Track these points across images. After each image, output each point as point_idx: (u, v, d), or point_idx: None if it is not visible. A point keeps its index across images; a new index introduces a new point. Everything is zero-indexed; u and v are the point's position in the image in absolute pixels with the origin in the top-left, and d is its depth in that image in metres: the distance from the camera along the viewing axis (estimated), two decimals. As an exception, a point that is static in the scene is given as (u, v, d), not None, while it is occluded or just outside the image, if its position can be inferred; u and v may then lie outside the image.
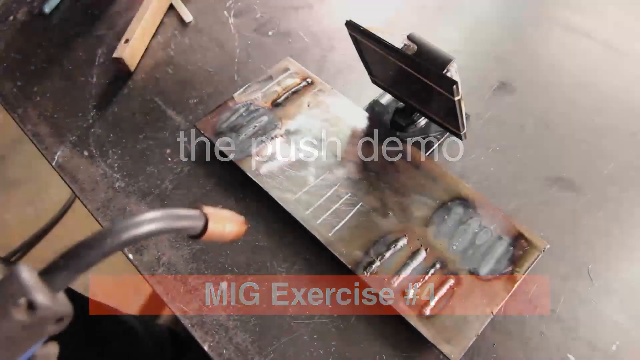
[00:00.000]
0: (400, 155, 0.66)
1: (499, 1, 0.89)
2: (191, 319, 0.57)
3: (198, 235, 0.34)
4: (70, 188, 0.69)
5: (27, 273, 0.25)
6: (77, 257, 0.27)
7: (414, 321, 0.53)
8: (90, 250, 0.27)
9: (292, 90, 0.73)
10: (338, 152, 0.66)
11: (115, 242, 0.28)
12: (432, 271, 0.56)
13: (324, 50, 0.83)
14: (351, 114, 0.70)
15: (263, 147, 0.67)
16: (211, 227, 0.35)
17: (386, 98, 0.74)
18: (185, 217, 0.32)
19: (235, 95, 0.73)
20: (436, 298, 0.54)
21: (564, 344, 0.54)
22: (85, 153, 0.72)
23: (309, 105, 0.71)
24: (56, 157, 0.72)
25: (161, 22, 0.89)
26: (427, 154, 0.67)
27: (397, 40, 0.58)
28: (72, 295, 0.41)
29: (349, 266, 0.57)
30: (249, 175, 0.64)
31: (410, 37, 0.57)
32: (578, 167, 0.67)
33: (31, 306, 0.24)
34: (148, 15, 0.85)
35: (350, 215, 0.61)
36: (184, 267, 0.61)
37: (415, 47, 0.57)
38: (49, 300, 0.25)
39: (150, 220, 0.30)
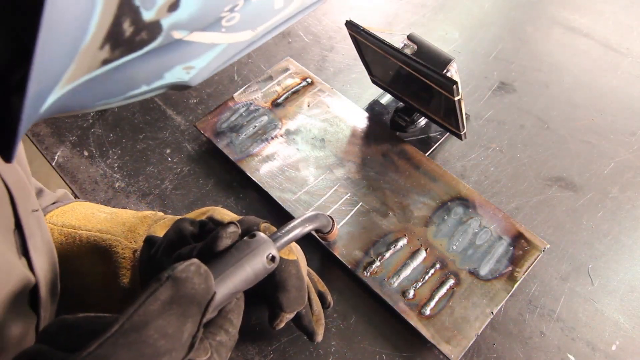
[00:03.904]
0: (400, 155, 0.66)
1: (499, 1, 0.89)
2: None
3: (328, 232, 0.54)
4: (70, 188, 0.69)
5: (267, 238, 0.39)
6: (289, 231, 0.42)
7: (414, 321, 0.53)
8: (295, 229, 0.43)
9: (292, 90, 0.73)
10: (338, 152, 0.66)
11: (308, 228, 0.45)
12: (432, 271, 0.56)
13: (324, 50, 0.83)
14: (351, 114, 0.70)
15: (263, 147, 0.67)
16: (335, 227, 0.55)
17: (386, 98, 0.74)
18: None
19: (235, 95, 0.73)
20: (436, 298, 0.54)
21: (564, 344, 0.54)
22: (85, 153, 0.72)
23: (308, 105, 0.71)
24: (56, 157, 0.72)
25: (161, 22, 0.89)
26: (427, 154, 0.67)
27: (397, 40, 0.58)
28: None
29: (349, 266, 0.57)
30: (249, 175, 0.64)
31: (410, 37, 0.57)
32: (578, 167, 0.67)
33: (272, 259, 0.38)
34: (148, 15, 0.84)
35: (350, 215, 0.61)
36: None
37: (415, 47, 0.57)
38: (278, 256, 0.39)
39: (318, 217, 0.49)
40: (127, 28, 0.22)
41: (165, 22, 0.23)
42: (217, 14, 0.25)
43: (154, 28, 0.23)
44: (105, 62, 0.23)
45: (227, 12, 0.25)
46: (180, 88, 0.29)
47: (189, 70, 0.27)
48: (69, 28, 0.20)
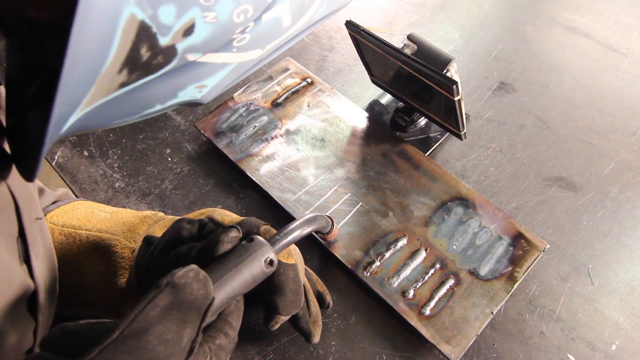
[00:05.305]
0: (400, 155, 0.66)
1: (499, 1, 0.89)
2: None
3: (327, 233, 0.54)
4: (70, 188, 0.69)
5: (265, 242, 0.39)
6: (287, 234, 0.43)
7: (413, 321, 0.53)
8: (294, 231, 0.43)
9: (292, 90, 0.73)
10: (338, 152, 0.66)
11: (307, 230, 0.45)
12: (432, 271, 0.56)
13: (324, 50, 0.83)
14: (351, 114, 0.70)
15: (263, 147, 0.67)
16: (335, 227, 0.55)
17: (386, 98, 0.74)
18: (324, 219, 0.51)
19: (235, 95, 0.73)
20: (436, 298, 0.54)
21: (564, 344, 0.54)
22: (85, 153, 0.72)
23: (308, 105, 0.71)
24: (56, 157, 0.72)
25: (161, 22, 0.89)
26: (427, 154, 0.67)
27: (397, 40, 0.58)
28: None
29: (349, 266, 0.57)
30: (249, 175, 0.64)
31: (410, 37, 0.57)
32: (578, 167, 0.67)
33: (271, 263, 0.39)
34: (148, 15, 0.84)
35: (350, 215, 0.61)
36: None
37: (415, 47, 0.57)
38: (277, 260, 0.40)
39: (318, 218, 0.49)
40: (144, 53, 0.23)
41: (181, 46, 0.24)
42: (229, 36, 0.26)
43: (170, 52, 0.24)
44: (123, 85, 0.24)
45: (239, 34, 0.26)
46: (192, 105, 0.30)
47: (201, 88, 0.28)
48: (90, 56, 0.20)
